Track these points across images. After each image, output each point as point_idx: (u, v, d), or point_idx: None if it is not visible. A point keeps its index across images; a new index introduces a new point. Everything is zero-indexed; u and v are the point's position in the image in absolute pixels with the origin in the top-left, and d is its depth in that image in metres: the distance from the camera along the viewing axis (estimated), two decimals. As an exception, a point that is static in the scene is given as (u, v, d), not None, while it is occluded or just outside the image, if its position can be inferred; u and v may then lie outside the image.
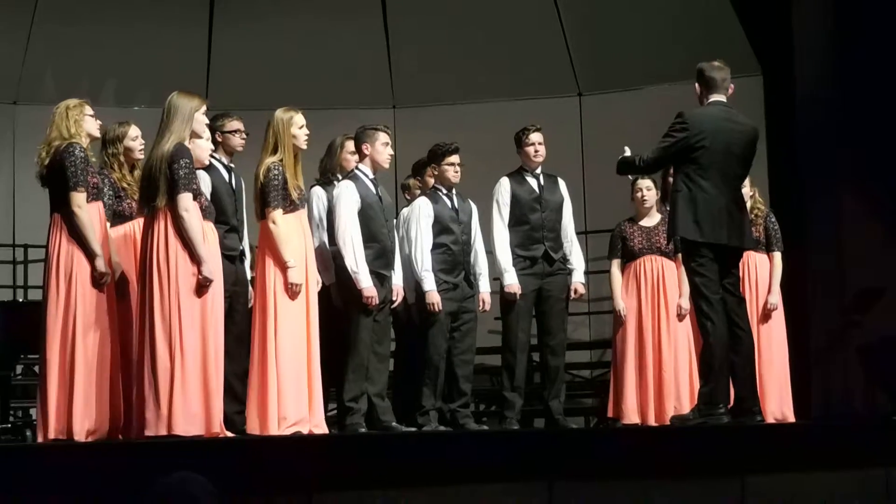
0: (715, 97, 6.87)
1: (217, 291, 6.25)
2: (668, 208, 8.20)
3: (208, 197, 6.54)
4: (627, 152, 7.17)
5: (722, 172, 6.76)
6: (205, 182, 6.74)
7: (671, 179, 7.36)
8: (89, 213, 6.27)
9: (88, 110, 6.48)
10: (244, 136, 7.19)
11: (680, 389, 8.16)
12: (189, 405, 6.03)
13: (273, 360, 6.67)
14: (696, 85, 6.95)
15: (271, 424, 6.60)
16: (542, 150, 8.10)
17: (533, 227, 8.03)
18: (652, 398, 8.18)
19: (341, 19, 11.47)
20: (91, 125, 6.48)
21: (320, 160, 7.89)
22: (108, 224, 6.63)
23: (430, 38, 11.59)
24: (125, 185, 6.81)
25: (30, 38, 11.01)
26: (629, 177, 8.07)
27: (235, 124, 7.20)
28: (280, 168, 6.83)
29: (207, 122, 6.58)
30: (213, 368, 6.14)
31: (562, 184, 8.23)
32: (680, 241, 6.95)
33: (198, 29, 11.46)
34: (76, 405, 6.12)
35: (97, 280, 6.22)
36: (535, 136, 8.10)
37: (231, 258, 6.87)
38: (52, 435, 6.12)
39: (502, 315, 8.06)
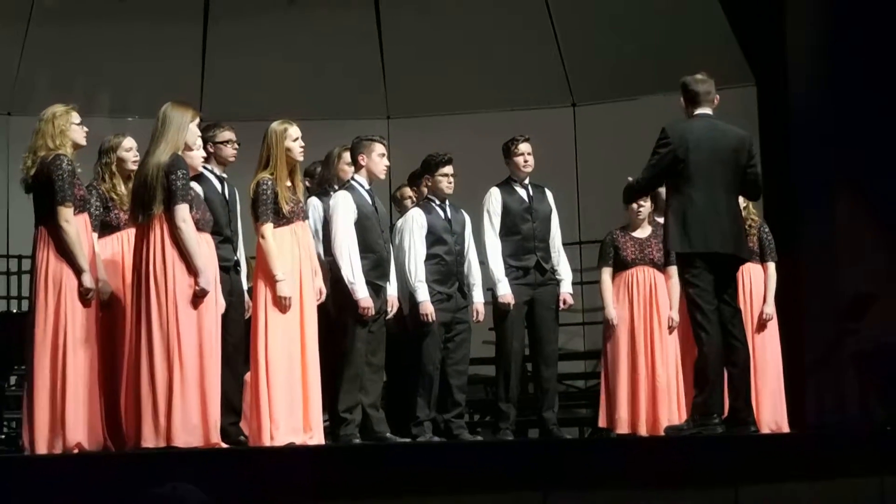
0: (700, 111, 6.87)
1: (213, 302, 6.25)
2: (657, 219, 8.21)
3: (203, 208, 6.53)
4: (630, 179, 7.17)
5: (711, 181, 6.75)
6: (195, 192, 6.74)
7: (661, 190, 7.36)
8: (76, 226, 6.26)
9: (75, 118, 6.44)
10: (236, 146, 7.19)
11: (671, 400, 8.15)
12: (188, 416, 6.03)
13: (264, 372, 6.66)
14: (682, 99, 6.94)
15: (264, 436, 6.59)
16: (530, 160, 8.10)
17: (524, 238, 8.04)
18: (644, 409, 8.17)
19: (336, 30, 11.48)
20: (77, 134, 6.44)
21: (306, 170, 7.88)
22: (96, 235, 6.64)
23: (425, 48, 11.60)
24: (114, 195, 6.80)
25: (24, 50, 11.01)
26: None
27: (227, 134, 7.19)
28: (270, 182, 6.81)
29: (199, 134, 6.58)
30: (210, 379, 6.14)
31: (549, 194, 8.24)
32: (674, 254, 6.96)
33: (192, 40, 11.46)
34: (66, 418, 6.10)
35: (83, 295, 6.21)
36: (524, 147, 8.11)
37: (225, 269, 6.88)
38: (40, 448, 6.09)
39: (495, 325, 8.06)
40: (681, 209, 6.72)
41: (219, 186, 7.07)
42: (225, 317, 6.64)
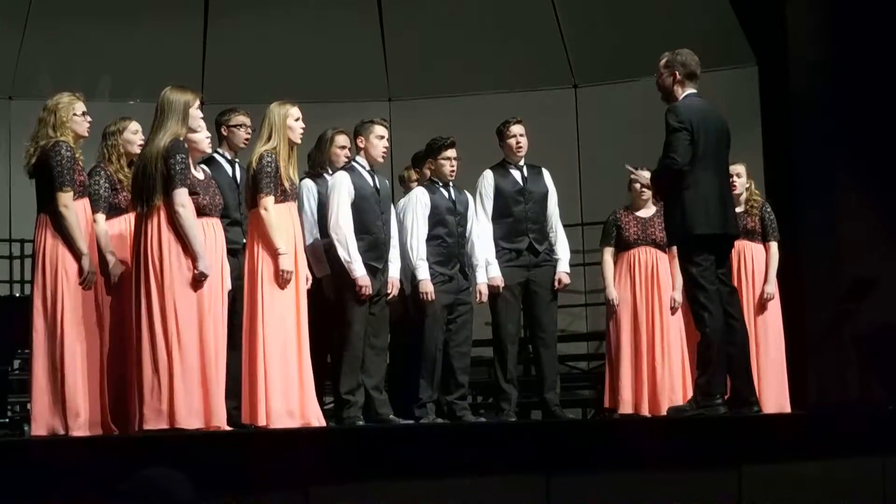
0: (690, 89, 6.85)
1: (215, 286, 6.24)
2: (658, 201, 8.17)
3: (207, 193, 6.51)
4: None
5: (716, 162, 6.77)
6: (205, 175, 6.73)
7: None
8: (75, 211, 6.27)
9: (79, 108, 6.45)
10: (249, 130, 7.21)
11: (674, 381, 8.16)
12: (190, 399, 6.03)
13: (261, 351, 6.62)
14: (675, 74, 6.86)
15: (261, 416, 6.57)
16: (523, 141, 8.06)
17: (517, 220, 8.00)
18: (647, 390, 8.18)
19: (337, 12, 11.47)
20: (79, 125, 6.44)
21: (308, 154, 7.87)
22: (104, 217, 6.64)
23: (426, 30, 11.59)
24: (121, 177, 6.81)
25: (25, 34, 11.00)
26: (633, 169, 7.81)
27: (241, 119, 7.24)
28: (273, 156, 6.79)
29: (202, 116, 6.57)
30: (212, 362, 6.13)
31: (546, 174, 8.20)
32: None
33: (193, 23, 11.45)
34: (67, 401, 6.12)
35: (85, 279, 6.23)
36: (516, 128, 8.07)
37: (234, 252, 6.87)
38: (43, 431, 6.12)
39: (490, 308, 8.04)
40: (698, 192, 6.69)
41: (229, 169, 7.11)
42: (233, 301, 6.64)
